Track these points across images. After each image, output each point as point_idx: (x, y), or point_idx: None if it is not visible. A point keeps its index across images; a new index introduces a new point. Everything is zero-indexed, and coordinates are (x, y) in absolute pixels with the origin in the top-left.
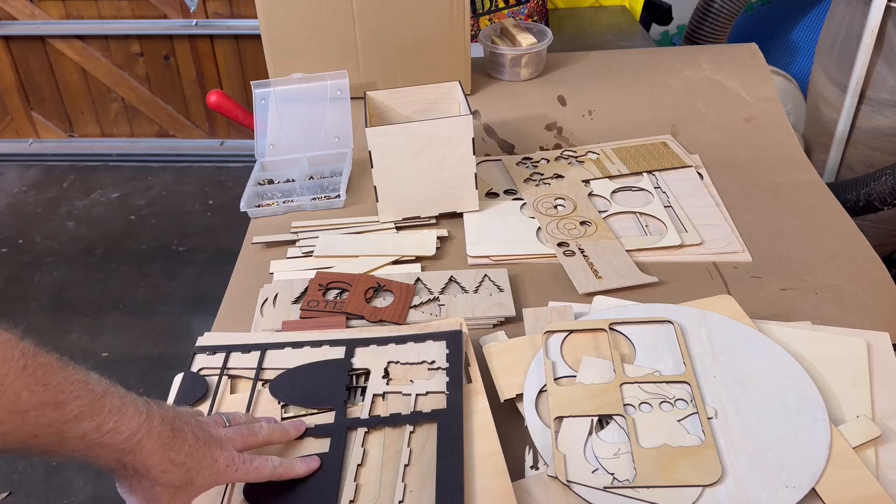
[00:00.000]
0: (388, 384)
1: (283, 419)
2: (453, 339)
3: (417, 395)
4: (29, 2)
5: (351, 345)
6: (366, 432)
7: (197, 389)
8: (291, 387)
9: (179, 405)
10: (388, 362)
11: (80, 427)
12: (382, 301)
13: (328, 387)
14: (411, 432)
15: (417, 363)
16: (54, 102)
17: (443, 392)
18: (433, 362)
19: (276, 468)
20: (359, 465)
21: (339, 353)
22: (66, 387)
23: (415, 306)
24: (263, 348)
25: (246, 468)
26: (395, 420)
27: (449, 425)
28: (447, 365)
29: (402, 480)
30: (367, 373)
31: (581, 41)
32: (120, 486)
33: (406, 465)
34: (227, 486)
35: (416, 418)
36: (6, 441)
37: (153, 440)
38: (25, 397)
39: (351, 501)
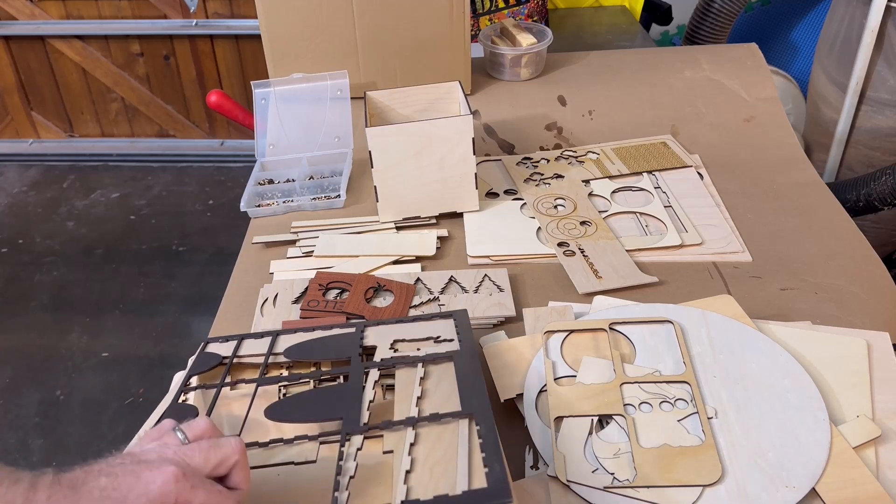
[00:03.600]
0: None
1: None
2: (461, 317)
3: (427, 354)
4: (29, 2)
5: (361, 327)
6: (380, 376)
7: (211, 361)
8: (305, 349)
9: (191, 374)
10: (395, 340)
11: None
12: (382, 301)
13: (343, 344)
14: (427, 368)
15: (424, 339)
16: (54, 102)
17: (454, 343)
18: (438, 336)
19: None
20: (371, 402)
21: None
22: None
23: (415, 306)
24: (275, 335)
25: (206, 465)
26: (410, 360)
27: (466, 363)
28: (456, 337)
29: (416, 407)
30: (374, 351)
31: (581, 41)
32: None
33: (419, 398)
34: (250, 403)
35: (432, 357)
36: None
37: None
38: None
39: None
